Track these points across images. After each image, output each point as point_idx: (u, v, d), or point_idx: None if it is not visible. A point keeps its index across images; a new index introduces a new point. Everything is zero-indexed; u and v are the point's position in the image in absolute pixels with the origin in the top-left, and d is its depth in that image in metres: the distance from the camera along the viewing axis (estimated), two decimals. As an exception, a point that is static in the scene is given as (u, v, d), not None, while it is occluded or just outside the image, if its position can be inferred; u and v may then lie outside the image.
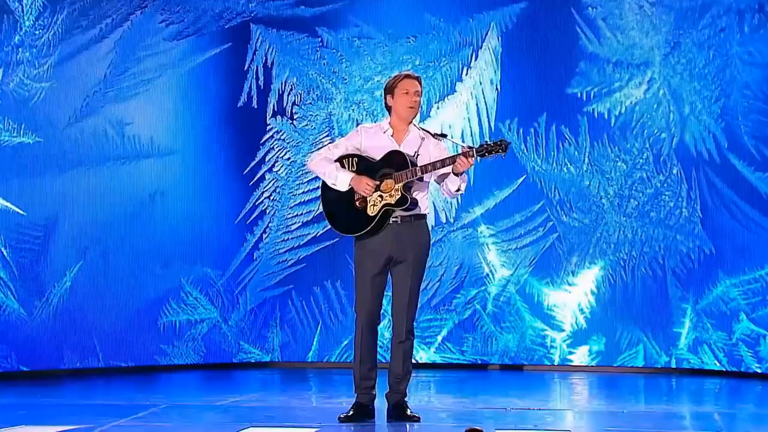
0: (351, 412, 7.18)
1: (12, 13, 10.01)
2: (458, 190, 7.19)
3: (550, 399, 9.10)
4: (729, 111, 10.51)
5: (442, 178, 7.24)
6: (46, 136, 10.13)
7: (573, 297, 10.98)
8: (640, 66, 10.87)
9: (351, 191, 7.13)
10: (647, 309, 10.83)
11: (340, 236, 10.61)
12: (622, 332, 10.86)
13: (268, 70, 11.21)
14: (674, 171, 10.75)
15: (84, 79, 10.32)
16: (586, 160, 10.94)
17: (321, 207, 10.03)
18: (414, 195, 7.11)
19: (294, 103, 11.24)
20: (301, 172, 11.24)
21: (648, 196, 10.83)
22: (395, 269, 7.16)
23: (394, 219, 7.09)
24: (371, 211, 7.07)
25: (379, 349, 7.31)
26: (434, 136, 7.29)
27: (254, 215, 11.17)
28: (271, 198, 11.22)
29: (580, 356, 10.95)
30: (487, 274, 11.09)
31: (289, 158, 11.26)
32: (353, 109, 11.23)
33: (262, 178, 11.20)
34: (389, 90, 7.22)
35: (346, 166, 7.16)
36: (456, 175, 7.10)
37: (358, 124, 10.72)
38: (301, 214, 11.23)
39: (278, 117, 11.22)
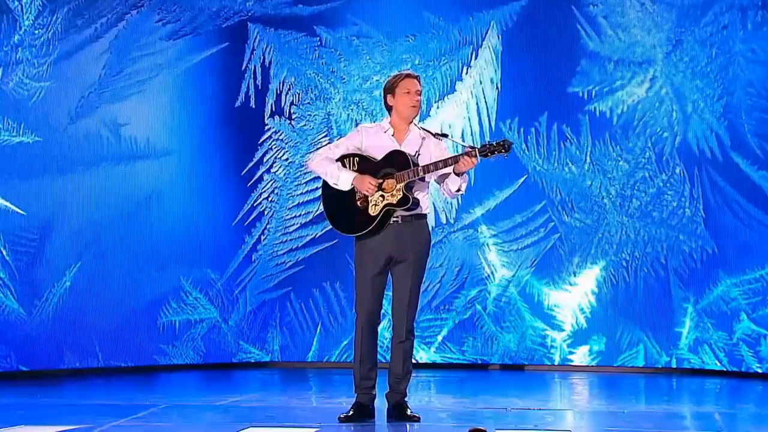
0: (351, 412, 7.26)
1: (11, 12, 10.06)
2: (459, 190, 7.27)
3: (550, 399, 9.17)
4: (732, 109, 10.55)
5: (442, 178, 7.31)
6: (45, 136, 10.18)
7: (573, 297, 11.04)
8: (642, 64, 10.93)
9: (352, 191, 7.20)
10: (647, 309, 10.91)
11: (340, 236, 10.98)
12: (623, 332, 10.93)
13: (265, 70, 11.27)
14: (677, 170, 10.80)
15: (79, 79, 10.37)
16: (588, 159, 11.00)
17: (321, 207, 10.25)
18: (415, 195, 7.19)
19: (292, 103, 11.31)
20: (299, 173, 11.30)
21: (650, 196, 10.90)
22: (395, 269, 7.24)
23: (394, 219, 7.17)
24: (372, 211, 7.14)
25: (379, 349, 7.36)
26: (435, 135, 7.37)
27: (252, 216, 11.24)
28: (270, 199, 11.29)
29: (581, 356, 11.02)
30: (488, 276, 11.14)
31: (287, 159, 11.31)
32: (352, 109, 11.29)
33: (260, 178, 11.26)
34: (390, 90, 7.30)
35: (347, 166, 7.23)
36: (457, 175, 7.18)
37: (357, 124, 10.83)
38: (300, 215, 11.30)
39: (276, 117, 11.29)
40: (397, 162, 7.16)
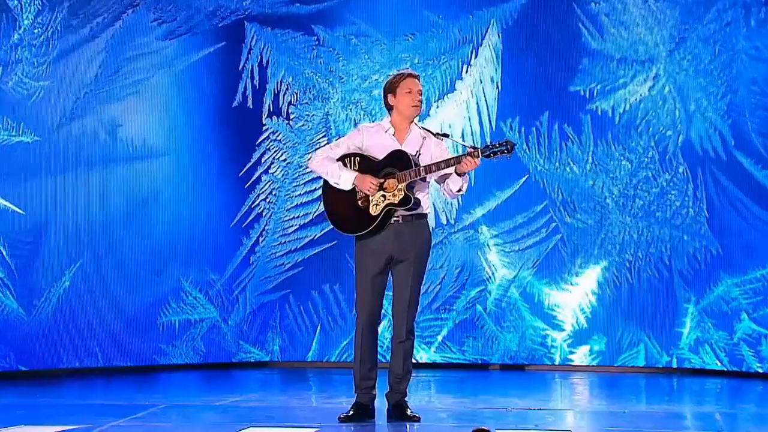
0: (351, 412, 7.36)
1: (11, 11, 10.15)
2: (460, 190, 7.36)
3: (550, 399, 9.27)
4: (736, 107, 10.61)
5: (443, 178, 7.40)
6: (45, 136, 10.26)
7: (573, 297, 11.12)
8: (645, 62, 10.99)
9: (353, 191, 7.28)
10: (648, 309, 10.98)
11: (339, 237, 10.80)
12: (623, 332, 11.02)
13: (263, 70, 11.35)
14: (680, 170, 10.86)
15: (75, 79, 10.45)
16: (590, 159, 11.07)
17: (320, 208, 10.44)
18: (416, 194, 7.27)
19: (290, 103, 11.39)
20: (297, 174, 11.38)
21: (654, 196, 10.96)
22: (396, 269, 7.34)
23: (395, 218, 7.26)
24: (374, 211, 7.23)
25: (379, 349, 7.45)
26: (436, 135, 7.46)
27: (250, 218, 11.32)
28: (268, 200, 11.37)
29: (581, 356, 11.10)
30: (489, 277, 11.21)
31: (285, 159, 11.38)
32: (351, 109, 11.37)
33: (258, 180, 11.34)
34: (390, 89, 7.39)
35: (348, 166, 7.31)
36: (459, 175, 7.27)
37: (356, 124, 10.93)
38: (299, 216, 11.38)
39: (274, 117, 11.38)
40: (399, 162, 7.25)
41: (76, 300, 10.50)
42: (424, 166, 7.23)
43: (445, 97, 11.37)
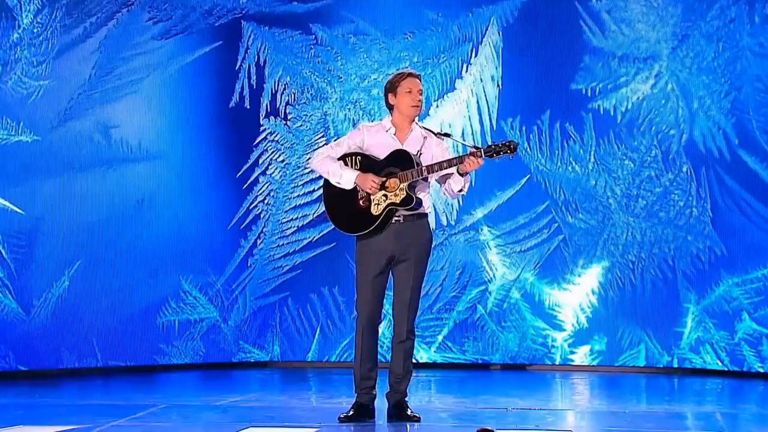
0: (351, 412, 7.49)
1: (10, 10, 10.24)
2: (461, 190, 7.48)
3: (551, 399, 9.39)
4: (740, 105, 10.71)
5: (444, 178, 7.51)
6: (44, 136, 10.35)
7: (574, 296, 11.23)
8: (647, 60, 11.08)
9: (354, 190, 7.39)
10: (649, 308, 11.10)
11: (338, 239, 10.95)
12: (624, 332, 11.14)
13: (260, 69, 11.43)
14: (684, 169, 10.95)
15: (69, 80, 10.54)
16: (592, 158, 11.17)
17: (320, 208, 10.60)
18: (417, 194, 7.39)
19: (288, 103, 11.48)
20: (296, 175, 11.47)
21: (657, 195, 11.07)
22: (397, 268, 7.46)
23: (396, 218, 7.37)
24: (375, 210, 7.35)
25: (379, 348, 7.56)
26: (437, 135, 7.56)
27: (248, 220, 11.41)
28: (266, 202, 11.45)
29: (582, 356, 11.21)
30: (491, 278, 11.32)
31: (283, 160, 11.47)
32: (349, 109, 11.47)
33: (256, 181, 11.42)
34: (391, 89, 7.50)
35: (349, 165, 7.42)
36: (461, 175, 7.39)
37: (354, 124, 11.02)
38: (297, 218, 11.48)
39: (272, 118, 11.47)
40: (401, 161, 7.37)
41: (76, 300, 10.59)
42: (427, 166, 7.34)
43: (445, 96, 11.46)
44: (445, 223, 11.47)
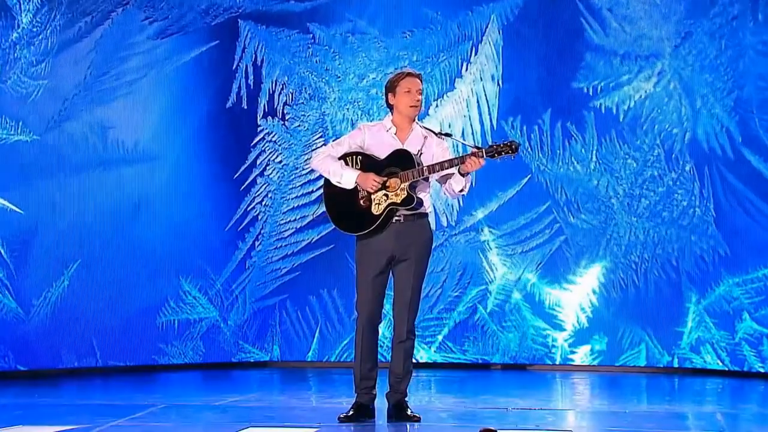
0: (351, 412, 7.59)
1: (9, 9, 10.34)
2: (462, 190, 7.58)
3: (551, 399, 9.52)
4: (743, 104, 10.80)
5: (445, 178, 7.61)
6: (44, 135, 10.47)
7: (574, 296, 11.34)
8: (649, 58, 11.18)
9: (354, 190, 7.50)
10: (649, 308, 11.22)
11: (337, 241, 11.03)
12: (624, 332, 11.26)
13: (257, 69, 11.54)
14: (687, 168, 11.05)
15: (68, 79, 10.67)
16: (594, 158, 11.28)
17: (318, 210, 10.68)
18: (418, 194, 7.50)
19: (285, 103, 11.58)
20: (293, 176, 11.57)
21: (660, 195, 11.17)
22: (397, 268, 7.57)
23: (396, 218, 7.48)
24: (376, 210, 7.47)
25: (379, 348, 7.67)
26: (438, 135, 7.67)
27: (245, 222, 11.51)
28: (263, 203, 11.55)
29: (582, 356, 11.33)
30: (492, 279, 11.43)
31: (281, 161, 11.56)
32: (348, 109, 11.57)
33: (254, 182, 11.53)
34: (390, 88, 7.61)
35: (350, 164, 7.52)
36: (462, 175, 7.49)
37: (353, 124, 11.13)
38: (295, 219, 11.58)
39: (269, 118, 11.58)
40: (402, 161, 7.48)
41: (75, 300, 10.71)
42: (428, 166, 7.44)
43: (445, 95, 11.56)
44: (445, 224, 11.56)
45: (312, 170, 7.78)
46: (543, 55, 11.51)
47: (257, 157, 11.69)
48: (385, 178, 7.52)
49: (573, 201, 11.45)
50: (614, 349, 11.37)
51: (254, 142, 11.68)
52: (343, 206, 7.62)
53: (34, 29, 10.54)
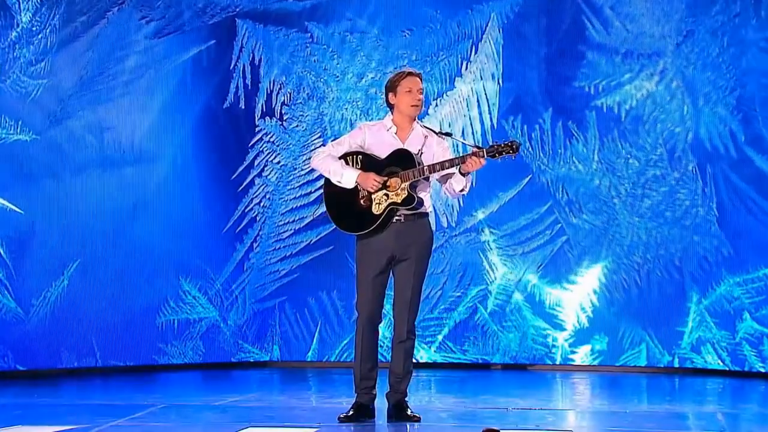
0: (351, 412, 7.71)
1: (9, 9, 10.44)
2: (462, 190, 7.69)
3: (552, 399, 9.63)
4: (746, 102, 10.89)
5: (445, 178, 7.71)
6: (44, 135, 10.57)
7: (575, 296, 11.44)
8: (651, 56, 11.25)
9: (355, 189, 7.61)
10: (649, 308, 11.31)
11: (336, 242, 11.15)
12: (625, 331, 11.36)
13: (255, 69, 11.63)
14: (689, 167, 11.13)
15: (68, 79, 10.78)
16: (596, 157, 11.37)
17: (317, 211, 10.75)
18: (418, 194, 7.61)
19: (283, 103, 11.66)
20: (292, 177, 11.65)
21: (662, 195, 11.26)
22: (397, 268, 7.68)
23: (397, 218, 7.59)
24: (376, 210, 7.58)
25: (379, 348, 7.77)
26: (438, 134, 7.77)
27: (244, 223, 11.61)
28: (261, 204, 11.64)
29: (582, 356, 11.43)
30: (492, 280, 11.52)
31: (279, 162, 11.65)
32: (346, 108, 11.66)
33: (252, 183, 11.61)
34: (391, 88, 7.71)
35: (351, 164, 7.63)
36: (463, 175, 7.59)
37: (352, 124, 11.21)
38: (294, 220, 11.67)
39: (267, 118, 11.67)
40: (402, 161, 7.58)
41: (75, 299, 10.81)
42: (429, 166, 7.54)
43: (444, 94, 11.65)
44: (445, 224, 11.65)
45: (310, 171, 7.89)
46: (544, 54, 11.58)
47: (255, 158, 11.77)
48: (386, 178, 7.62)
49: (575, 201, 11.53)
50: (615, 349, 11.46)
51: (252, 142, 11.76)
52: (343, 206, 7.72)
53: (34, 28, 10.63)
